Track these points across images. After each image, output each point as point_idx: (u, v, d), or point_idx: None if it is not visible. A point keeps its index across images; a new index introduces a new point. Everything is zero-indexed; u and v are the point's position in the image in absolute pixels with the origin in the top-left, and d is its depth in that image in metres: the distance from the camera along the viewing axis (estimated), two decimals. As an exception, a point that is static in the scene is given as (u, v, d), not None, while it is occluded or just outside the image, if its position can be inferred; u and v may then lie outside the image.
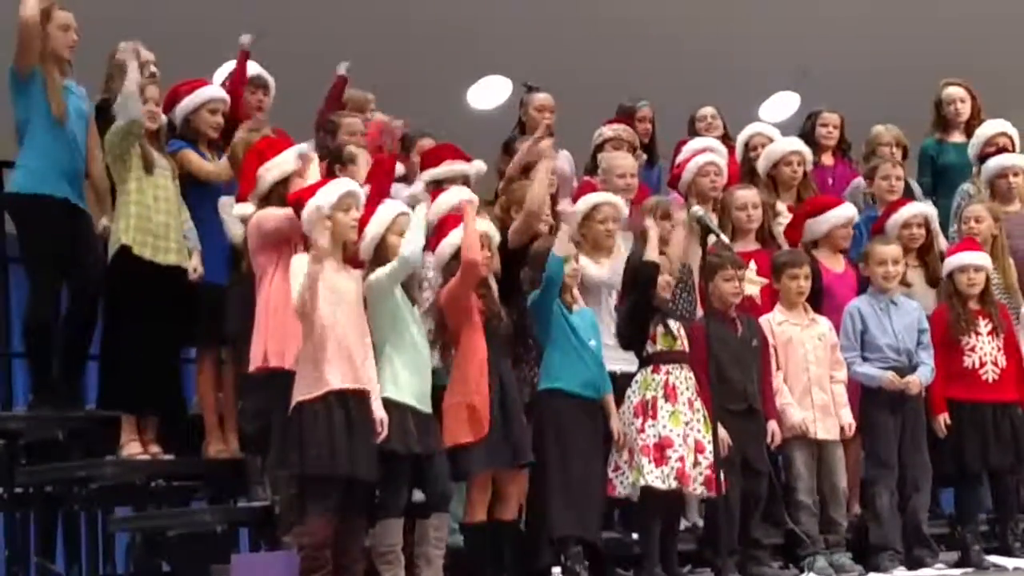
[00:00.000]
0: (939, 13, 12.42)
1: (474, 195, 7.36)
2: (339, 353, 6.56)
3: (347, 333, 6.61)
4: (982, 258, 8.39)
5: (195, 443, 7.89)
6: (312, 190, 6.77)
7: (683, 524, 7.75)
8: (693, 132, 9.72)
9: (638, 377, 7.50)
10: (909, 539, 7.99)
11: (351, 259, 6.80)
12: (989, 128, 9.52)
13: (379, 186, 7.35)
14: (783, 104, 13.52)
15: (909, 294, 8.36)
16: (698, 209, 7.92)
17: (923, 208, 8.80)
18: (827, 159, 9.65)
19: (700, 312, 8.02)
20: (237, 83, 8.32)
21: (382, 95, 8.94)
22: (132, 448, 7.61)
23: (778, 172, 9.01)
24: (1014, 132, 9.51)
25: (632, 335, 7.55)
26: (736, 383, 7.63)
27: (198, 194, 7.86)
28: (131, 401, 7.67)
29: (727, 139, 9.59)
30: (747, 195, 8.49)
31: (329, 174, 7.34)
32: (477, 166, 7.91)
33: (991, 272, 8.46)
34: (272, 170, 7.08)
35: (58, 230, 7.83)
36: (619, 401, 7.48)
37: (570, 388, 7.28)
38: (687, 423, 7.40)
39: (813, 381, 7.93)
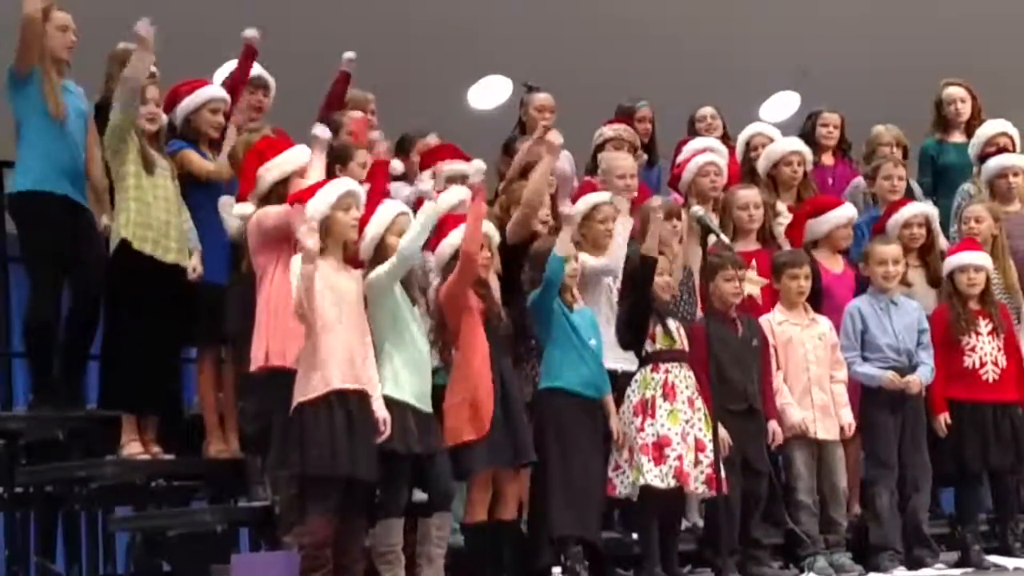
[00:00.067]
0: (939, 13, 12.42)
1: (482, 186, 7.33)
2: (340, 353, 6.56)
3: (347, 333, 6.61)
4: (982, 258, 8.39)
5: (195, 443, 7.88)
6: (312, 190, 6.77)
7: (683, 524, 7.75)
8: (693, 132, 9.72)
9: (637, 376, 7.51)
10: (909, 539, 7.99)
11: (351, 259, 6.81)
12: (989, 128, 9.52)
13: (378, 185, 7.35)
14: (783, 104, 13.52)
15: (910, 294, 8.37)
16: (698, 209, 7.93)
17: (924, 208, 8.80)
18: (827, 159, 9.65)
19: (700, 312, 8.03)
20: (239, 80, 8.29)
21: (382, 95, 8.94)
22: (132, 448, 7.61)
23: (778, 172, 9.01)
24: (1014, 132, 9.51)
25: (631, 335, 7.55)
26: (736, 383, 7.64)
27: (198, 194, 7.85)
28: (131, 401, 7.67)
29: (727, 139, 9.59)
30: (749, 195, 8.49)
31: (329, 174, 7.34)
32: (477, 165, 7.92)
33: (991, 272, 8.47)
34: (272, 170, 7.09)
35: (59, 227, 7.83)
36: (622, 399, 7.49)
37: (570, 387, 7.29)
38: (687, 421, 7.40)
39: (813, 381, 7.93)
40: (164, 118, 7.89)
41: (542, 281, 7.25)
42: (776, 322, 7.98)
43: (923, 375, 8.05)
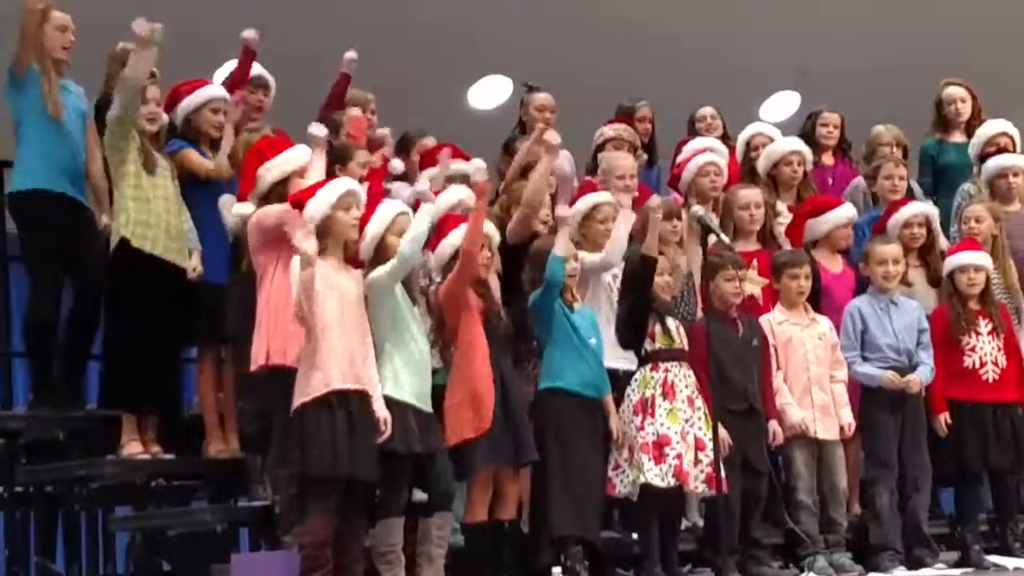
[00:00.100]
0: (939, 13, 12.42)
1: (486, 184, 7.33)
2: (340, 353, 6.56)
3: (348, 333, 6.61)
4: (982, 258, 8.39)
5: (195, 443, 7.88)
6: (312, 190, 6.77)
7: (683, 524, 7.75)
8: (693, 132, 9.71)
9: (637, 375, 7.51)
10: (909, 539, 7.99)
11: (351, 259, 6.80)
12: (990, 128, 9.52)
13: (375, 186, 7.36)
14: (783, 104, 13.53)
15: (910, 294, 8.36)
16: (698, 209, 7.93)
17: (924, 208, 8.80)
18: (827, 159, 9.65)
19: (700, 312, 8.03)
20: (238, 81, 8.30)
21: (382, 95, 8.94)
22: (132, 448, 7.61)
23: (778, 172, 9.01)
24: (1015, 132, 9.51)
25: (631, 334, 7.55)
26: (737, 383, 7.63)
27: (198, 193, 7.85)
28: (131, 400, 7.67)
29: (727, 139, 9.59)
30: (750, 195, 8.49)
31: (329, 173, 7.34)
32: (476, 164, 7.93)
33: (991, 272, 8.47)
34: (272, 170, 7.09)
35: (59, 225, 7.83)
36: (622, 398, 7.49)
37: (570, 387, 7.29)
38: (687, 421, 7.40)
39: (813, 381, 7.93)
40: (165, 118, 7.90)
41: (542, 281, 7.25)
42: (776, 322, 7.98)
43: (923, 375, 8.05)
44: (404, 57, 11.14)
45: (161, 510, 7.85)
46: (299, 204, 6.73)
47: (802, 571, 7.76)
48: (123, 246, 7.59)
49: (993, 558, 8.13)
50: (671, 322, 7.58)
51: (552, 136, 7.86)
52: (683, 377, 7.49)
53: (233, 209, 7.34)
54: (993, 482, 8.32)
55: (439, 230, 7.21)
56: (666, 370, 7.48)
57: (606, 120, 9.32)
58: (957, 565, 8.09)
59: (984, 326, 8.29)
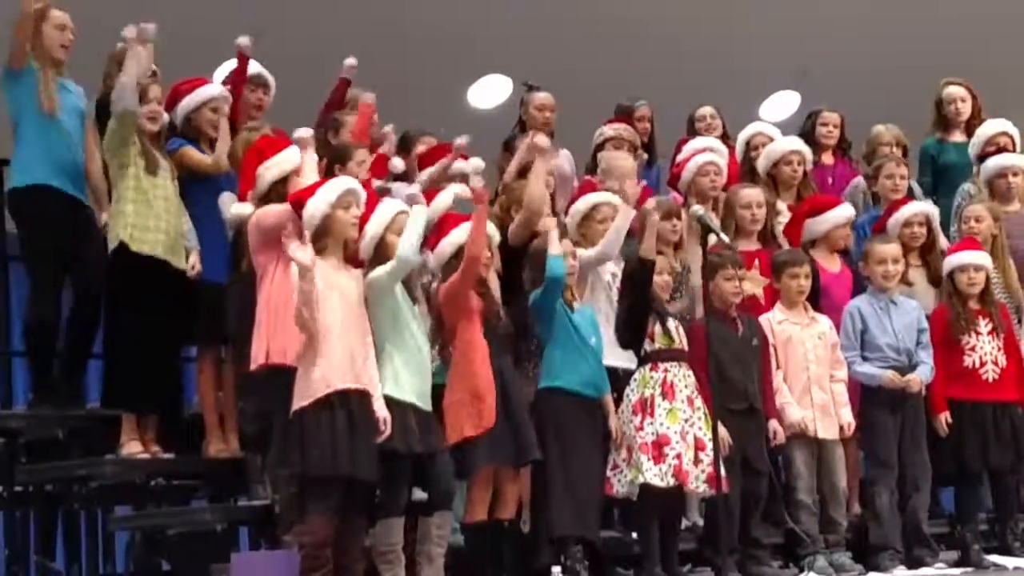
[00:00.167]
0: (939, 13, 12.43)
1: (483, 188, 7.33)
2: (340, 353, 6.56)
3: (348, 332, 6.61)
4: (982, 257, 8.39)
5: (195, 442, 7.88)
6: (312, 190, 6.77)
7: (683, 523, 7.75)
8: (693, 132, 9.72)
9: (637, 375, 7.51)
10: (909, 539, 7.99)
11: (351, 258, 6.80)
12: (990, 128, 9.52)
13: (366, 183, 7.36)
14: (783, 104, 13.53)
15: (910, 294, 8.37)
16: (698, 208, 7.91)
17: (924, 207, 8.80)
18: (827, 158, 9.66)
19: (700, 312, 8.02)
20: (234, 86, 8.29)
21: (382, 95, 8.92)
22: (132, 447, 7.61)
23: (778, 171, 9.01)
24: (1015, 132, 9.52)
25: (630, 334, 7.55)
26: (737, 382, 7.63)
27: (197, 192, 7.85)
28: (131, 400, 7.67)
29: (727, 139, 9.60)
30: (751, 194, 8.49)
31: (329, 173, 7.34)
32: (474, 164, 7.92)
33: (991, 272, 8.47)
34: (271, 169, 7.09)
35: (58, 223, 7.84)
36: (622, 398, 7.49)
37: (570, 387, 7.28)
38: (686, 420, 7.40)
39: (813, 380, 7.93)
40: (166, 117, 7.90)
41: (543, 281, 7.25)
42: (776, 321, 7.98)
43: (923, 374, 8.05)
44: (404, 57, 11.15)
45: (161, 509, 7.86)
46: (299, 203, 6.73)
47: (802, 571, 7.76)
48: (122, 248, 7.59)
49: (993, 558, 8.13)
50: (671, 322, 7.58)
51: (541, 140, 7.87)
52: (683, 377, 7.49)
53: (232, 209, 7.34)
54: (993, 482, 8.33)
55: (439, 229, 7.21)
56: (665, 370, 7.48)
57: (606, 120, 9.33)
58: (957, 565, 8.09)
59: (984, 326, 8.29)
